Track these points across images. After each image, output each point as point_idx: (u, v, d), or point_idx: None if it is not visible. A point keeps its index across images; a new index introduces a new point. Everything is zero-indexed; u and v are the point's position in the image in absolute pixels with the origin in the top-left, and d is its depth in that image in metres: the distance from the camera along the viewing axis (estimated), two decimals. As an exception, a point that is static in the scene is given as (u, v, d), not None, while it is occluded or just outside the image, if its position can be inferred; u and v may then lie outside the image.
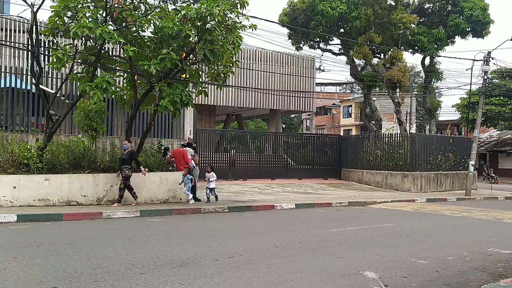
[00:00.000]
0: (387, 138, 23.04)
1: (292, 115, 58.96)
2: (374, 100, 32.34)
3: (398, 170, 21.72)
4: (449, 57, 48.35)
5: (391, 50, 26.77)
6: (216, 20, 11.37)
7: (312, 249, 7.36)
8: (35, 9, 11.65)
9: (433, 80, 30.87)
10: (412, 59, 68.95)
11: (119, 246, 7.11)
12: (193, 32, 11.61)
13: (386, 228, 10.00)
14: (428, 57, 29.30)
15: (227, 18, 11.74)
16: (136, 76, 12.84)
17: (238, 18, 12.03)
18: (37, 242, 7.30)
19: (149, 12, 11.80)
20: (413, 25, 26.73)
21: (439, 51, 28.49)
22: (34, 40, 11.93)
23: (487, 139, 43.66)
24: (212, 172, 14.11)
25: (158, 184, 12.69)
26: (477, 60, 21.62)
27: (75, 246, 7.09)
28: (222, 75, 13.01)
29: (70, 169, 11.82)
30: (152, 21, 11.76)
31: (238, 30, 12.03)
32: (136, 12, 11.65)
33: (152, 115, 13.33)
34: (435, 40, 27.57)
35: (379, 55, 28.49)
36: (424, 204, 16.41)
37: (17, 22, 19.41)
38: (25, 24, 17.71)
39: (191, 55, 12.48)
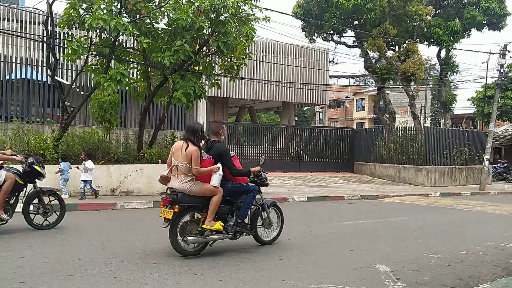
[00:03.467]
0: (400, 132, 22.86)
1: (305, 108, 58.79)
2: (388, 93, 32.05)
3: (411, 164, 21.56)
4: (464, 50, 47.72)
5: (406, 42, 26.47)
6: (230, 12, 11.35)
7: (324, 241, 7.38)
8: (50, 1, 11.76)
9: (448, 73, 30.49)
10: (428, 52, 68.39)
11: (132, 236, 7.20)
12: (206, 24, 11.62)
13: (398, 222, 9.96)
14: (444, 49, 28.92)
15: (240, 10, 11.72)
16: (150, 68, 12.90)
17: (252, 10, 11.99)
18: (53, 231, 7.43)
19: (163, 4, 11.82)
20: (428, 17, 26.38)
21: (455, 43, 28.10)
22: (49, 32, 12.04)
23: (502, 133, 43.03)
24: (89, 161, 11.21)
25: (171, 175, 12.76)
26: (493, 53, 21.33)
27: (90, 235, 7.20)
28: (235, 67, 13.01)
29: (84, 160, 11.93)
30: (166, 13, 11.77)
31: (251, 22, 12.00)
32: (150, 4, 11.67)
33: (165, 107, 13.40)
34: (451, 33, 27.19)
35: (393, 48, 28.20)
36: (438, 198, 16.29)
37: (32, 14, 19.58)
38: (41, 16, 17.87)
39: (205, 47, 12.49)
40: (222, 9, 11.29)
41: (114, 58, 12.31)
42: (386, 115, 29.47)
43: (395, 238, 7.95)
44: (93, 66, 12.44)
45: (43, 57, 17.07)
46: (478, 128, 41.61)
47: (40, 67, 16.76)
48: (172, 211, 5.72)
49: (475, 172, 23.06)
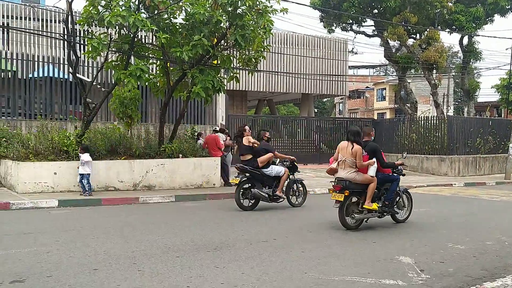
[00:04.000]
0: (423, 121, 22.49)
1: (325, 99, 58.36)
2: (409, 82, 31.56)
3: (434, 154, 21.22)
4: (488, 36, 46.57)
5: (427, 30, 25.95)
6: (247, 5, 11.31)
7: (346, 233, 7.34)
8: (70, -1, 11.90)
9: (471, 60, 29.83)
10: (450, 39, 66.76)
11: (155, 230, 7.29)
12: (224, 17, 11.60)
13: (422, 213, 9.84)
14: (466, 36, 28.29)
15: (257, 2, 11.65)
16: (168, 63, 12.98)
17: (269, 2, 11.92)
18: (78, 226, 7.57)
19: (180, -2, 11.85)
20: (450, 4, 25.81)
21: (478, 30, 27.44)
22: (69, 30, 12.20)
23: (528, 120, 42.01)
24: (86, 154, 10.76)
25: (192, 169, 12.87)
26: (518, 39, 20.74)
27: (114, 230, 7.31)
28: (253, 60, 12.97)
29: (107, 155, 12.12)
30: (183, 8, 11.80)
31: (269, 14, 11.92)
32: (168, -1, 11.72)
33: (185, 102, 13.47)
34: (473, 19, 26.54)
35: (414, 36, 27.70)
36: (462, 188, 16.02)
37: (53, 12, 19.90)
38: (61, 14, 18.14)
39: (222, 41, 12.49)
40: (239, 2, 11.25)
41: (134, 54, 12.42)
42: (407, 104, 29.05)
43: (418, 229, 7.86)
44: (113, 63, 12.58)
45: (64, 55, 17.34)
46: (502, 116, 40.69)
47: (61, 65, 17.03)
48: (343, 195, 7.43)
49: (500, 161, 22.57)
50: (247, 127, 10.36)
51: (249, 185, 9.67)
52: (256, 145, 9.94)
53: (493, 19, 28.04)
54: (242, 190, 9.62)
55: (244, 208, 9.50)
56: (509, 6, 26.88)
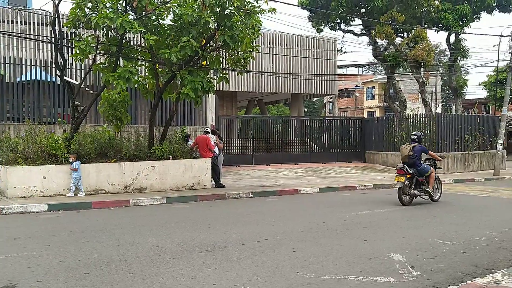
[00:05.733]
0: (412, 119, 22.66)
1: (314, 99, 58.50)
2: (398, 81, 31.73)
3: (423, 151, 21.36)
4: (474, 34, 47.11)
5: (415, 28, 26.13)
6: (235, 5, 11.31)
7: (337, 232, 7.37)
8: (56, 2, 11.80)
9: (458, 58, 30.09)
10: (437, 37, 67.51)
11: (147, 233, 7.26)
12: (212, 18, 11.59)
13: (412, 210, 9.91)
14: (453, 34, 28.53)
15: (245, 3, 11.66)
16: (157, 65, 12.93)
17: (257, 2, 11.93)
18: (68, 230, 7.52)
19: (168, 0, 11.81)
20: (436, 2, 26.02)
21: (464, 28, 27.69)
22: (57, 33, 12.11)
23: (516, 117, 42.49)
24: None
25: (183, 171, 12.84)
26: (504, 36, 21.03)
27: (105, 233, 7.27)
28: (242, 60, 12.97)
29: (97, 158, 12.05)
30: (171, 9, 11.77)
31: (257, 15, 11.94)
32: (155, 0, 11.67)
33: (174, 103, 13.43)
34: (460, 17, 26.79)
35: (402, 34, 27.88)
36: (451, 185, 16.16)
37: (39, 15, 19.71)
38: (48, 17, 17.98)
39: (211, 42, 12.47)
40: (227, 2, 11.25)
41: (122, 56, 12.36)
42: (396, 102, 29.22)
43: (409, 227, 7.92)
44: (101, 65, 12.50)
45: (52, 58, 17.19)
46: (490, 113, 41.12)
47: (49, 68, 16.89)
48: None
49: (488, 157, 22.81)
50: None
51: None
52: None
53: (480, 17, 28.29)
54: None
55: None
56: (495, 4, 27.14)
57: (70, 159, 11.26)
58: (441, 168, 11.29)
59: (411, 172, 10.51)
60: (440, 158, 11.36)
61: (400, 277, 4.92)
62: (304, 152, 24.11)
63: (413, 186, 10.61)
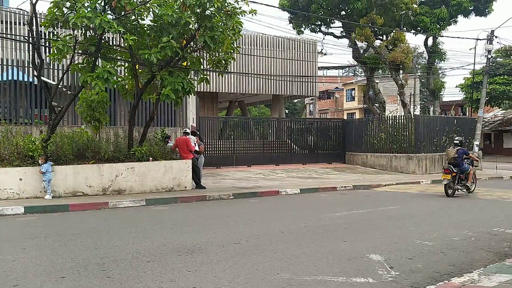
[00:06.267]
0: (391, 121, 22.95)
1: (295, 100, 58.79)
2: (377, 83, 32.08)
3: (402, 152, 21.67)
4: (452, 37, 48.02)
5: (393, 31, 26.46)
6: (216, 6, 11.29)
7: (317, 233, 7.40)
8: (34, 1, 11.59)
9: (436, 60, 30.60)
10: (415, 40, 68.52)
11: (125, 235, 7.17)
12: (192, 19, 11.54)
13: (391, 211, 10.02)
14: (431, 37, 28.99)
15: (226, 4, 11.65)
16: (137, 65, 12.81)
17: (238, 3, 11.93)
18: (45, 233, 7.38)
19: (147, 0, 11.72)
20: (415, 6, 26.39)
21: (442, 31, 28.15)
22: (34, 32, 11.89)
23: (491, 118, 43.44)
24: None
25: (163, 172, 12.73)
26: (480, 39, 21.47)
27: (82, 236, 7.16)
28: (223, 61, 12.95)
29: (74, 160, 11.87)
30: (151, 9, 11.68)
31: (238, 16, 11.94)
32: (135, 0, 11.57)
33: (154, 104, 13.33)
34: (438, 20, 27.23)
35: (381, 37, 28.19)
36: (429, 186, 16.41)
37: (16, 14, 19.31)
38: (25, 16, 17.63)
39: (192, 43, 12.41)
40: (208, 3, 11.23)
41: (100, 56, 12.20)
42: (376, 104, 29.55)
43: (388, 227, 8.00)
44: (79, 65, 12.32)
45: (29, 58, 16.87)
46: (467, 114, 41.93)
47: (26, 68, 16.58)
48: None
49: (465, 158, 23.20)
50: None
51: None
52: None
53: (457, 20, 28.81)
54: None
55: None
56: (472, 8, 27.67)
57: (40, 161, 11.02)
58: (477, 166, 14.89)
59: (455, 171, 12.79)
60: (477, 159, 14.41)
61: (379, 277, 4.96)
62: (285, 153, 24.18)
63: (456, 182, 12.88)
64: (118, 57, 13.07)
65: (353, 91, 51.61)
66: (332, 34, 29.77)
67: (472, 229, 7.79)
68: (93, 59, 11.98)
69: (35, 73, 12.29)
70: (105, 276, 4.95)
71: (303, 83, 28.68)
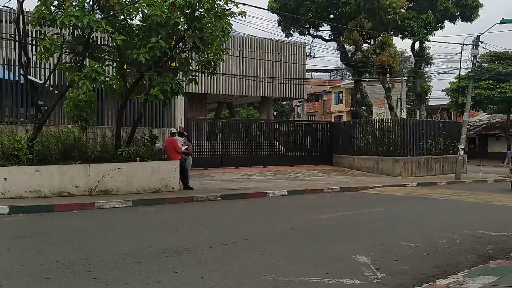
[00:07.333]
0: (378, 124, 23.13)
1: (283, 102, 58.86)
2: (364, 86, 32.34)
3: (389, 155, 21.84)
4: (438, 42, 48.55)
5: (381, 35, 26.71)
6: (205, 7, 11.27)
7: (304, 235, 7.43)
8: (20, -1, 11.46)
9: (423, 65, 30.89)
10: (402, 44, 69.37)
11: (112, 236, 7.12)
12: (182, 19, 11.51)
13: (377, 213, 10.10)
14: (418, 42, 29.28)
15: (216, 5, 11.64)
16: (125, 65, 12.73)
17: (227, 5, 11.93)
18: (30, 234, 7.30)
19: (136, 0, 11.66)
20: (402, 10, 26.64)
21: (429, 35, 28.42)
22: (21, 30, 11.76)
23: (476, 123, 44.01)
24: None
25: (150, 173, 12.66)
26: (466, 44, 21.68)
27: (68, 236, 7.09)
28: (212, 63, 12.93)
29: (61, 160, 11.74)
30: (140, 9, 11.62)
31: (227, 17, 11.94)
32: (124, 0, 11.50)
33: (142, 104, 13.25)
34: (425, 25, 27.50)
35: (369, 41, 28.42)
36: (415, 189, 16.56)
37: (3, 12, 19.06)
38: (12, 14, 17.43)
39: (181, 43, 12.38)
40: (197, 4, 11.21)
41: (88, 55, 12.11)
42: (363, 107, 29.77)
43: (374, 229, 8.06)
44: (66, 64, 12.20)
45: (15, 56, 16.67)
46: (452, 118, 42.40)
47: (12, 66, 16.37)
48: None
49: (450, 161, 23.51)
50: None
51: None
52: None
53: (443, 25, 29.13)
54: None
55: None
56: (458, 13, 28.00)
57: None
58: None
59: None
60: None
61: (365, 278, 5.00)
62: (273, 155, 24.21)
63: None
64: (106, 57, 12.97)
65: (341, 94, 51.87)
66: (320, 37, 29.92)
67: (457, 231, 7.89)
68: (80, 58, 11.88)
69: (22, 71, 12.15)
70: (91, 277, 4.91)
71: (292, 85, 28.77)
